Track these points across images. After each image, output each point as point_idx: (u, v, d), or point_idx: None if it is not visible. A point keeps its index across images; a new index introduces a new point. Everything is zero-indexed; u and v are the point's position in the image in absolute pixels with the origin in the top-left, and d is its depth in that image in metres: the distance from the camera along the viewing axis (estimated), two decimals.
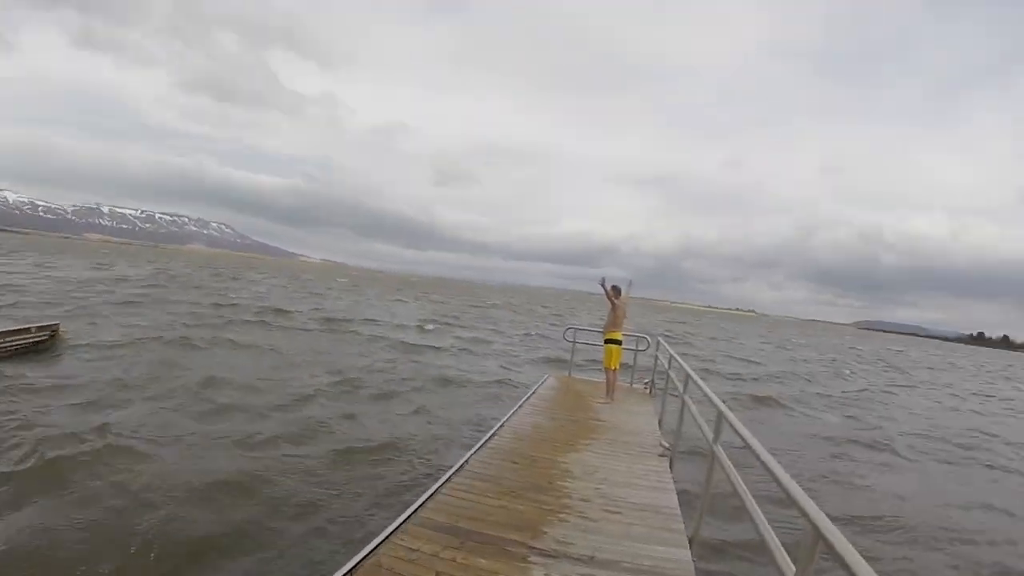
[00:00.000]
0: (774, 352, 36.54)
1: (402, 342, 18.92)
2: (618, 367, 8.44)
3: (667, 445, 5.99)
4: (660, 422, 7.21)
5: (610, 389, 8.39)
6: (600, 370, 8.83)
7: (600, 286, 8.33)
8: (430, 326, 25.34)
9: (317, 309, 27.41)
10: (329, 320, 23.21)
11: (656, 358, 9.28)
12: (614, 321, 8.31)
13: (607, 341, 8.38)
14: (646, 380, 10.09)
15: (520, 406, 7.45)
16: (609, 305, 8.29)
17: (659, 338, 9.55)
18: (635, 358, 9.98)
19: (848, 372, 27.74)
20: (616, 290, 8.31)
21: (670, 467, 5.52)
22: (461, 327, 27.63)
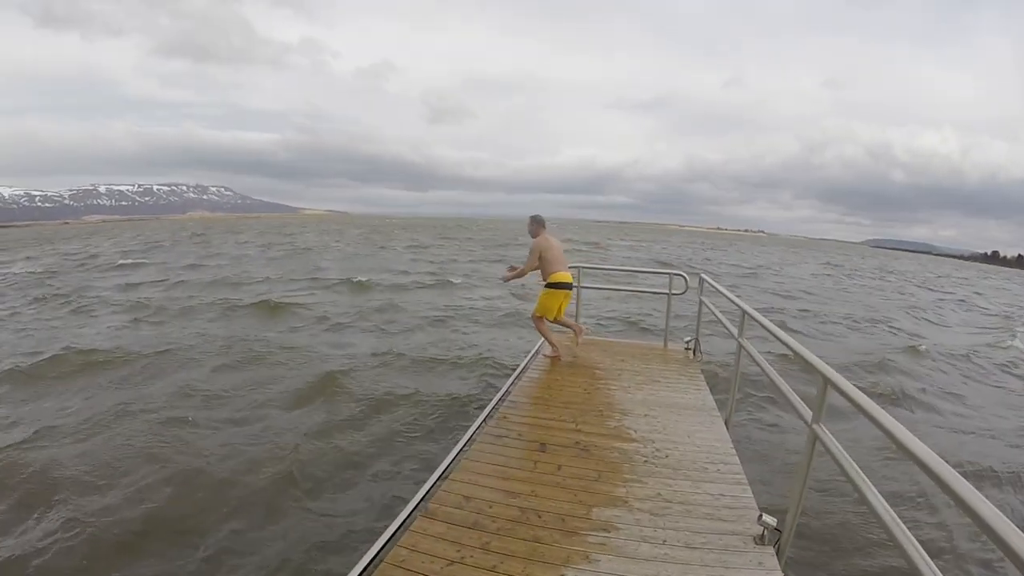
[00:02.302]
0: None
1: None
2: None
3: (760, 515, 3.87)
4: (728, 423, 4.91)
5: (553, 343, 6.45)
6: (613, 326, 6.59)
7: (509, 268, 6.43)
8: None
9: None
10: None
11: (700, 305, 6.77)
12: (556, 257, 6.12)
13: (555, 284, 6.13)
14: (687, 339, 7.21)
15: (516, 377, 5.82)
16: (539, 247, 6.09)
17: (701, 275, 6.93)
18: (668, 306, 7.26)
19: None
20: (539, 221, 6.20)
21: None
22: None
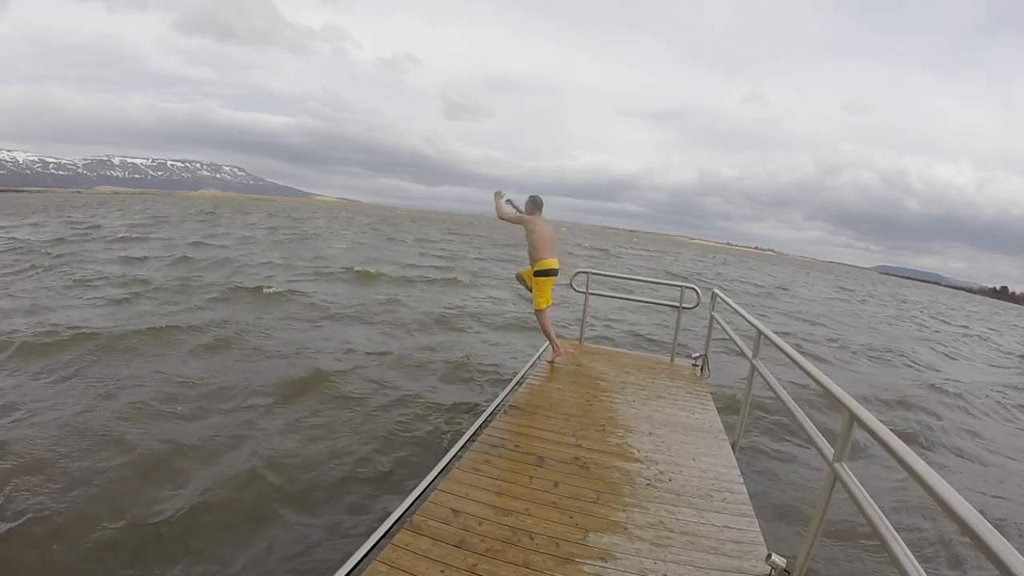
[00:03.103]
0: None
1: None
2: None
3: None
4: (736, 447, 4.70)
5: (556, 345, 6.50)
6: (617, 336, 6.40)
7: (507, 202, 6.20)
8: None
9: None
10: None
11: (711, 321, 6.59)
12: (545, 243, 6.06)
13: (545, 272, 6.12)
14: (695, 355, 7.09)
15: (515, 384, 5.79)
16: (527, 224, 6.09)
17: (715, 290, 6.75)
18: (678, 319, 7.13)
19: None
20: (536, 203, 6.18)
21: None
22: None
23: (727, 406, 6.82)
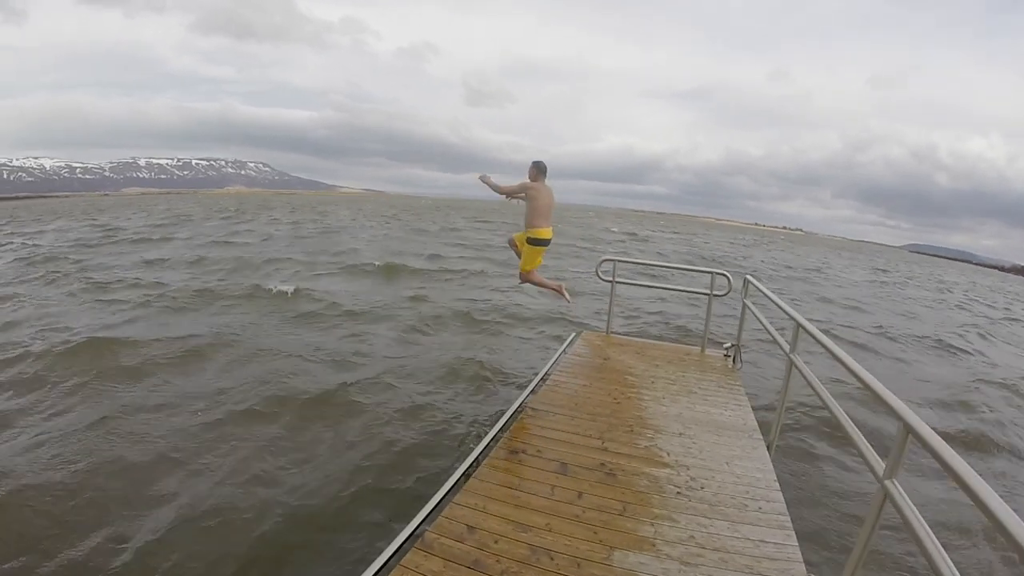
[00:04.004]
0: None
1: None
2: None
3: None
4: (771, 449, 4.46)
5: (553, 286, 6.44)
6: (642, 327, 6.17)
7: (486, 184, 6.02)
8: None
9: None
10: None
11: (744, 309, 6.36)
12: (544, 212, 5.93)
13: (540, 241, 6.03)
14: (726, 345, 6.82)
15: (539, 382, 5.55)
16: (530, 191, 5.86)
17: (747, 276, 6.53)
18: (708, 307, 6.83)
19: None
20: (540, 168, 5.89)
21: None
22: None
23: (760, 402, 6.54)
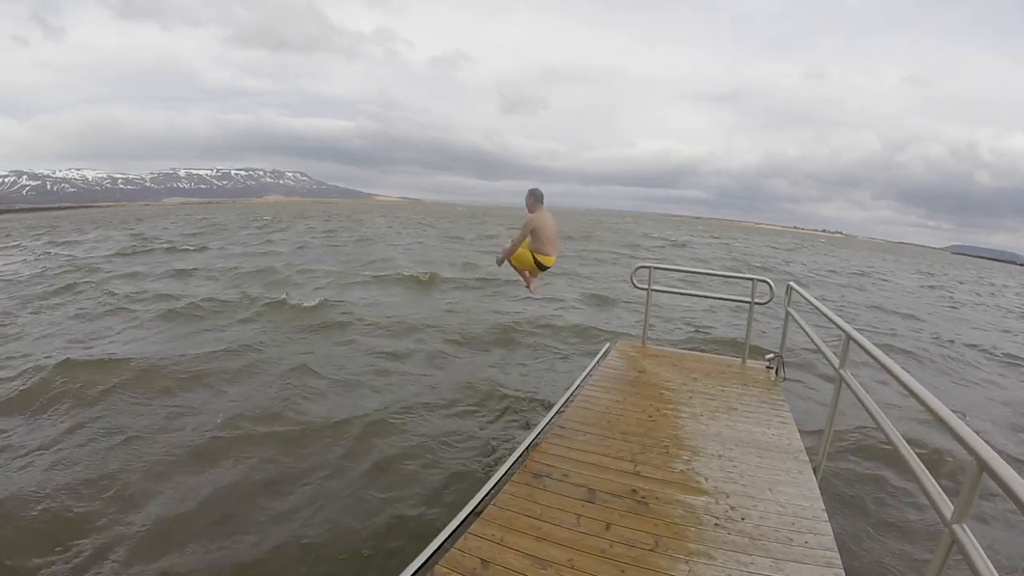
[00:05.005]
0: None
1: None
2: None
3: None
4: (818, 472, 4.16)
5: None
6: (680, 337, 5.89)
7: (504, 258, 6.14)
8: None
9: None
10: None
11: (787, 317, 6.09)
12: (550, 239, 5.94)
13: (542, 267, 6.06)
14: (769, 356, 6.52)
15: (569, 397, 5.36)
16: (534, 224, 5.80)
17: (790, 283, 6.23)
18: (750, 316, 6.50)
19: None
20: (537, 196, 5.86)
21: None
22: None
23: (805, 420, 6.17)
